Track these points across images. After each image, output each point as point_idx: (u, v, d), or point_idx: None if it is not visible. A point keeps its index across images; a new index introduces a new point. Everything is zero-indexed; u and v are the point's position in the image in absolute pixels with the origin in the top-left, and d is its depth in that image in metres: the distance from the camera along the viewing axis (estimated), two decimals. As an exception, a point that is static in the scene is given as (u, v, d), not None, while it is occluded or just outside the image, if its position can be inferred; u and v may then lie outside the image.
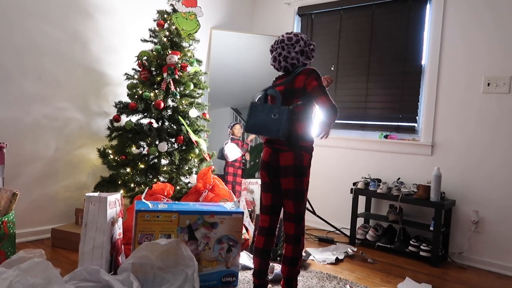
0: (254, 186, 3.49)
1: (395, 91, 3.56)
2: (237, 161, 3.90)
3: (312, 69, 2.00)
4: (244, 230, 2.85)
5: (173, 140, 3.07)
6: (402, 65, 3.53)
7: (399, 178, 3.38)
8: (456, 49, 3.21)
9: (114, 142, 3.01)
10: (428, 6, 3.40)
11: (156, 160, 3.01)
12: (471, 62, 3.14)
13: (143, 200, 2.28)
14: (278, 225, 2.73)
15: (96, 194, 2.20)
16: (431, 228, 3.00)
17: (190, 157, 3.07)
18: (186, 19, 3.08)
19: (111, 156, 2.93)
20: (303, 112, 1.99)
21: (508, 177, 2.95)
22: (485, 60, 3.07)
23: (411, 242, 3.10)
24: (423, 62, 3.42)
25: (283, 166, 1.98)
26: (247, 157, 3.99)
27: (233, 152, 3.68)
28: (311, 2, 4.09)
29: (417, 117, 3.45)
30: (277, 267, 2.44)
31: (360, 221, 3.55)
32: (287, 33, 2.05)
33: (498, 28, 3.01)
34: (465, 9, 3.17)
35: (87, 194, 2.18)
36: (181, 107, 3.06)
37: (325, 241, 3.40)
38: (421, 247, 3.02)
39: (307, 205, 3.67)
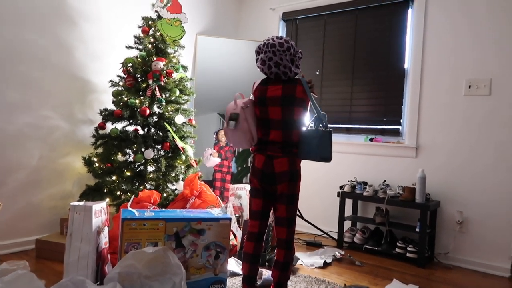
0: (241, 191, 3.49)
1: (379, 94, 3.61)
2: (224, 166, 3.89)
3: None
4: (232, 236, 2.85)
5: (159, 147, 3.05)
6: (385, 69, 3.58)
7: (385, 181, 3.42)
8: (438, 53, 3.27)
9: (100, 150, 2.98)
10: (409, 10, 3.46)
11: (142, 167, 2.98)
12: (452, 65, 3.20)
13: (129, 208, 2.26)
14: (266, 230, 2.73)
15: (81, 203, 2.17)
16: (417, 230, 3.03)
17: (176, 164, 3.06)
18: (171, 25, 3.08)
19: (97, 164, 2.90)
20: (299, 121, 2.04)
21: (490, 177, 3.01)
22: (466, 63, 3.14)
23: (397, 243, 3.13)
24: (406, 66, 3.48)
25: (278, 172, 1.99)
26: (218, 160, 3.94)
27: (211, 159, 3.68)
28: (295, 8, 4.12)
29: (401, 120, 3.50)
30: (265, 273, 2.44)
31: (347, 224, 3.57)
32: (277, 38, 2.02)
33: (477, 32, 3.08)
34: (445, 14, 3.23)
35: (72, 203, 2.15)
36: (167, 113, 3.05)
37: (313, 245, 3.41)
38: (408, 248, 3.05)
39: (295, 209, 3.68)
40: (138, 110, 2.89)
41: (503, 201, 2.95)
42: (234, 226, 3.02)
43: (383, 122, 3.60)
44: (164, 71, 3.00)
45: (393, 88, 3.53)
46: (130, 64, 2.98)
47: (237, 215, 3.35)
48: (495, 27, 3.01)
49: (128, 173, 2.89)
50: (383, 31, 3.60)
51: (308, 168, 3.92)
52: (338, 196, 3.46)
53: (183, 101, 3.18)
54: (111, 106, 3.05)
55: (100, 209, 2.22)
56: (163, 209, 2.72)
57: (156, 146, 3.03)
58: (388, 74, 3.56)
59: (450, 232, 3.16)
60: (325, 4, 3.91)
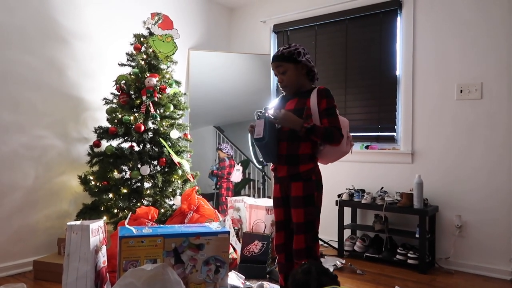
0: (240, 203, 3.48)
1: (373, 102, 3.64)
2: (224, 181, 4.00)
3: None
4: (231, 250, 2.82)
5: (155, 162, 3.04)
6: (377, 77, 3.61)
7: (382, 187, 3.42)
8: (428, 59, 3.31)
9: (95, 168, 2.96)
10: (398, 18, 3.51)
11: (139, 184, 2.97)
12: (443, 70, 3.23)
13: (127, 226, 2.25)
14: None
15: (78, 222, 2.16)
16: (417, 235, 3.03)
17: (173, 179, 3.04)
18: (163, 41, 3.10)
19: (93, 182, 2.88)
20: None
21: (486, 179, 3.02)
22: (456, 68, 3.17)
23: (398, 250, 3.12)
24: (397, 73, 3.51)
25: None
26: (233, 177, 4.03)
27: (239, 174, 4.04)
28: (286, 20, 4.17)
29: (395, 126, 3.51)
30: (267, 285, 2.41)
31: (347, 232, 3.56)
32: None
33: (466, 37, 3.12)
34: (433, 20, 3.28)
35: (68, 223, 2.14)
36: (162, 129, 3.05)
37: (313, 255, 3.38)
38: (408, 254, 3.04)
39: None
40: (133, 126, 2.88)
41: (500, 204, 2.96)
42: (233, 239, 3.00)
43: (378, 129, 3.62)
44: (158, 87, 3.01)
45: (386, 95, 3.56)
46: (123, 81, 2.99)
47: (236, 228, 3.33)
48: (484, 32, 3.05)
49: (125, 190, 2.87)
50: (374, 39, 3.64)
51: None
52: (336, 205, 3.45)
53: (177, 116, 3.18)
54: (106, 124, 3.04)
55: (97, 228, 2.21)
56: (161, 225, 2.70)
57: (152, 162, 3.02)
58: (381, 81, 3.59)
59: (450, 237, 3.15)
60: (315, 15, 3.96)
